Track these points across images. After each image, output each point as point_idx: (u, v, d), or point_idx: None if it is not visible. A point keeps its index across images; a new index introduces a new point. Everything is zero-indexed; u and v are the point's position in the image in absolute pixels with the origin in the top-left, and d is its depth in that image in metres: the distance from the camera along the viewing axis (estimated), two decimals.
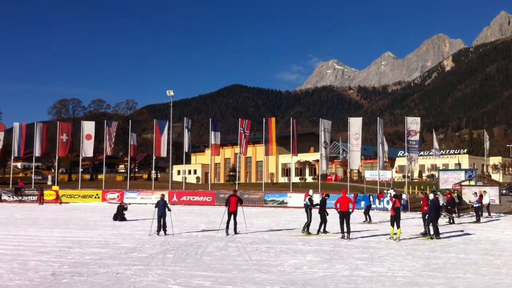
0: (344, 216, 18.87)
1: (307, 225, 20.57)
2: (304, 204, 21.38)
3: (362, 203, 29.32)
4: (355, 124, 42.35)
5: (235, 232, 20.29)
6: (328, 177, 74.51)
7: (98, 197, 43.16)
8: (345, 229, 18.88)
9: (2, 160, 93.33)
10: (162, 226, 20.05)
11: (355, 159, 42.13)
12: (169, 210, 20.08)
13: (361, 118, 44.71)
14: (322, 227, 20.61)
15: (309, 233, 20.29)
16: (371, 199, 30.22)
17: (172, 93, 49.33)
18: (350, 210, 19.03)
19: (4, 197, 44.28)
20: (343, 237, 18.88)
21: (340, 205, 18.89)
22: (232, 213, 20.15)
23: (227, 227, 20.22)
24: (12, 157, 57.82)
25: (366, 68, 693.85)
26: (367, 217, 26.67)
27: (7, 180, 60.09)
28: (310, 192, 21.93)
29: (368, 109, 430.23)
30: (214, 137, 47.34)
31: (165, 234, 19.99)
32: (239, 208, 20.68)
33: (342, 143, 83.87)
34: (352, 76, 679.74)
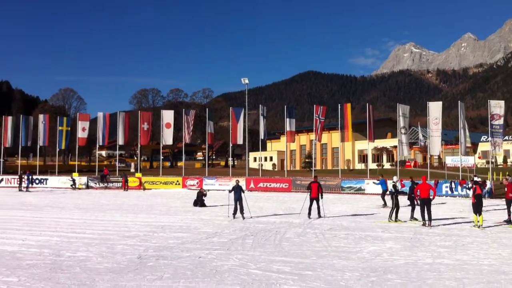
0: (425, 203, 18.46)
1: (395, 212, 20.13)
2: (389, 191, 21.12)
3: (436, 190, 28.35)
4: (435, 109, 41.05)
5: (319, 216, 21.10)
6: (407, 163, 72.73)
7: (179, 184, 44.44)
8: (426, 217, 18.46)
9: (88, 148, 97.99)
10: (239, 209, 20.77)
11: (435, 145, 40.89)
12: (243, 191, 21.00)
13: (440, 102, 43.23)
14: (397, 213, 20.15)
15: (397, 220, 19.86)
16: (435, 186, 28.78)
17: (247, 81, 49.81)
18: (431, 197, 18.61)
19: (91, 184, 46.56)
20: (424, 224, 18.47)
21: (420, 191, 18.49)
22: (314, 198, 21.10)
23: (309, 212, 21.12)
24: (97, 146, 60.50)
25: (445, 50, 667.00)
26: (384, 201, 26.98)
27: (93, 168, 63.07)
28: (395, 178, 21.82)
29: (448, 93, 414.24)
30: (289, 124, 47.42)
31: (243, 218, 20.71)
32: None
33: (421, 128, 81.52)
34: (430, 59, 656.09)
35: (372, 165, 70.64)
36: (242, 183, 39.38)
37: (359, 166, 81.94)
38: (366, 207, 27.06)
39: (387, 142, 78.84)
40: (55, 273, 10.51)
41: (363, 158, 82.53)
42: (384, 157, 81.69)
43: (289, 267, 11.13)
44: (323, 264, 11.49)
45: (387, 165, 77.66)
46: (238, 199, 20.70)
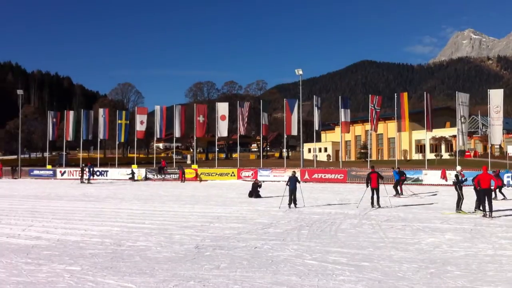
0: (486, 194, 17.91)
1: (460, 203, 19.64)
2: (453, 182, 20.74)
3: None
4: (496, 97, 39.61)
5: (378, 206, 21.42)
6: (467, 153, 70.61)
7: (234, 175, 44.85)
8: (487, 208, 17.91)
9: (146, 141, 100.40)
10: (293, 200, 21.61)
11: (496, 134, 39.49)
12: (299, 182, 22.12)
13: (502, 90, 41.67)
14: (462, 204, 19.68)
15: (460, 212, 19.33)
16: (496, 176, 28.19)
17: (301, 72, 49.51)
18: (492, 187, 18.04)
19: (149, 175, 47.68)
20: (484, 216, 17.92)
21: (480, 182, 17.94)
22: (375, 189, 21.53)
23: (372, 202, 21.54)
24: (155, 138, 61.85)
25: (506, 36, 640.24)
26: (397, 190, 27.78)
27: (151, 160, 64.50)
28: (458, 168, 21.55)
29: (510, 80, 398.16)
30: (344, 115, 46.90)
31: (295, 207, 21.53)
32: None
33: (482, 117, 78.93)
34: (490, 46, 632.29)
35: (430, 155, 69.00)
36: (297, 174, 39.35)
37: (416, 156, 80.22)
38: (424, 198, 26.53)
39: (446, 132, 76.75)
40: (116, 262, 10.85)
41: (420, 148, 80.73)
42: (443, 147, 79.60)
43: (345, 258, 11.06)
44: (380, 255, 11.35)
45: (445, 155, 75.68)
46: (293, 189, 21.59)
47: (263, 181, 34.61)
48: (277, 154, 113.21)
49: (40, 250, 12.23)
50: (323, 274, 9.55)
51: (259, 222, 17.27)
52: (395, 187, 28.08)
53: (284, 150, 67.87)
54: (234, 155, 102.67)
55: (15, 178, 51.06)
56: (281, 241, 13.25)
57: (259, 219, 17.97)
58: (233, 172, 45.39)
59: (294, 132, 48.75)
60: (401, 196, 27.34)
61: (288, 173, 41.33)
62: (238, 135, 52.94)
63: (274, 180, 42.00)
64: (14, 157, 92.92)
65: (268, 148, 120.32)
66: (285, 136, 51.94)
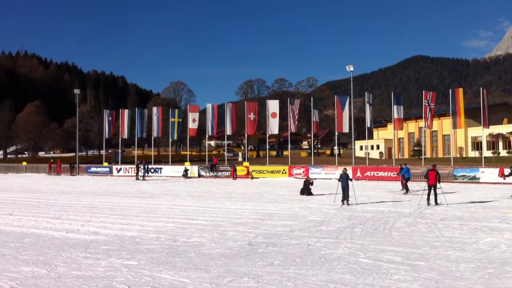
0: None
1: None
2: None
3: None
4: None
5: (436, 203, 21.29)
6: None
7: (285, 173, 44.87)
8: None
9: (198, 139, 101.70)
10: (345, 196, 21.82)
11: None
12: (350, 180, 22.25)
13: None
14: None
15: None
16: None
17: (352, 68, 48.97)
18: None
19: (202, 172, 48.31)
20: None
21: None
22: (432, 186, 21.31)
23: (428, 199, 21.40)
24: (207, 136, 62.58)
25: None
26: (406, 188, 28.24)
27: (203, 157, 65.35)
28: None
29: None
30: (396, 111, 46.10)
31: (348, 204, 21.58)
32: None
33: None
34: None
35: (487, 153, 66.90)
36: (349, 171, 39.02)
37: (472, 153, 77.94)
38: (481, 197, 25.78)
39: (503, 128, 74.25)
40: (171, 257, 11.07)
41: (476, 145, 78.39)
42: (500, 144, 77.00)
43: (400, 257, 10.90)
44: (436, 254, 11.13)
45: (503, 153, 73.22)
46: (344, 186, 21.74)
47: (315, 179, 34.48)
48: (328, 152, 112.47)
49: (99, 245, 12.62)
50: (377, 273, 9.45)
51: (311, 219, 17.24)
52: (405, 184, 28.61)
53: (336, 147, 67.32)
54: (285, 153, 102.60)
55: (73, 175, 52.76)
56: (334, 239, 13.18)
57: (311, 217, 17.93)
58: (284, 170, 45.40)
59: (346, 129, 48.30)
60: (407, 193, 27.58)
61: (340, 170, 41.16)
62: (289, 132, 52.88)
63: (325, 177, 41.75)
64: (72, 154, 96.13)
65: (319, 146, 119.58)
66: (336, 134, 51.60)
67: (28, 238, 13.76)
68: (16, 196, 27.96)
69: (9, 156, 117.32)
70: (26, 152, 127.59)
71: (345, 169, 23.31)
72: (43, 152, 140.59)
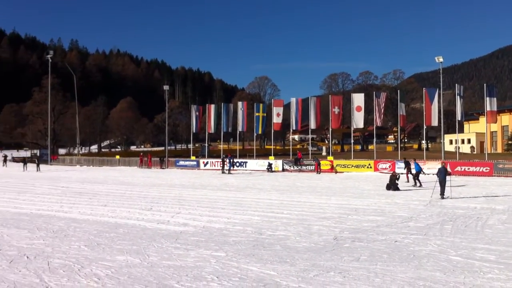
0: None
1: None
2: None
3: None
4: None
5: None
6: None
7: (370, 167, 44.08)
8: None
9: (282, 133, 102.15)
10: (441, 190, 21.84)
11: None
12: (449, 174, 22.41)
13: None
14: None
15: None
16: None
17: (441, 59, 47.14)
18: None
19: (286, 166, 48.49)
20: None
21: None
22: None
23: None
24: (291, 130, 62.66)
25: None
26: (417, 181, 28.89)
27: (287, 152, 65.58)
28: None
29: None
30: (489, 103, 43.93)
31: (442, 198, 21.56)
32: None
33: None
34: None
35: None
36: (438, 166, 37.76)
37: None
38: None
39: None
40: (258, 249, 11.25)
41: None
42: None
43: (493, 255, 10.45)
44: None
45: None
46: (442, 180, 21.77)
47: (401, 174, 33.63)
48: (415, 146, 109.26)
49: (188, 236, 13.05)
50: (469, 271, 9.12)
51: (398, 215, 16.87)
52: (415, 178, 29.25)
53: (423, 141, 65.23)
54: (370, 147, 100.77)
55: (163, 168, 54.66)
56: (423, 236, 12.84)
57: (398, 212, 17.54)
58: (369, 164, 44.60)
59: (434, 122, 46.67)
60: (420, 186, 28.21)
61: (429, 165, 39.91)
62: (375, 126, 51.86)
63: (413, 172, 40.55)
64: (161, 148, 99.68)
65: (406, 140, 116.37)
66: (425, 127, 49.95)
67: (122, 228, 14.47)
68: (110, 188, 29.40)
69: (103, 150, 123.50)
70: (119, 146, 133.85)
71: (443, 162, 23.05)
72: (135, 146, 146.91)
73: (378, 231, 13.58)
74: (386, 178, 29.70)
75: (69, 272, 9.28)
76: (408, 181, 31.17)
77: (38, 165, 52.11)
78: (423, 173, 30.30)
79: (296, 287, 8.22)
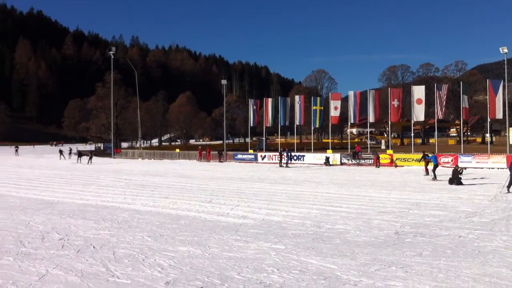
0: None
1: None
2: None
3: None
4: None
5: None
6: None
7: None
8: None
9: (340, 126, 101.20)
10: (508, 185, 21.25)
11: None
12: None
13: None
14: None
15: None
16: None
17: (506, 50, 45.36)
18: None
19: (344, 160, 48.03)
20: None
21: None
22: None
23: None
24: (349, 124, 62.02)
25: None
26: (434, 174, 28.95)
27: (345, 145, 64.92)
28: None
29: None
30: None
31: (508, 191, 21.01)
32: None
33: None
34: None
35: None
36: (503, 160, 36.51)
37: None
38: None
39: None
40: (317, 243, 11.25)
41: None
42: None
43: None
44: None
45: None
46: None
47: (465, 168, 32.66)
48: (479, 139, 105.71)
49: (247, 228, 13.19)
50: None
51: (462, 210, 16.42)
52: (433, 171, 29.24)
53: (487, 134, 63.02)
54: (431, 140, 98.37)
55: (221, 162, 55.28)
56: (488, 231, 12.46)
57: (462, 207, 17.06)
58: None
59: (499, 115, 45.05)
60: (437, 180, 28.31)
61: (493, 159, 38.61)
62: (436, 119, 50.54)
63: (476, 166, 39.33)
64: (220, 142, 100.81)
65: (469, 133, 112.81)
66: (488, 120, 48.27)
67: (183, 220, 14.78)
68: (171, 180, 30.03)
69: (163, 143, 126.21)
70: (178, 140, 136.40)
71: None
72: (194, 140, 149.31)
73: (441, 226, 13.28)
74: (448, 172, 28.95)
75: (134, 262, 9.59)
76: (427, 174, 31.78)
77: (90, 158, 54.03)
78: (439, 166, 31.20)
79: (357, 281, 8.18)
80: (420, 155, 36.54)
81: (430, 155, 32.11)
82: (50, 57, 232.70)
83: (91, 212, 16.55)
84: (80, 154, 56.20)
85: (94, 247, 10.99)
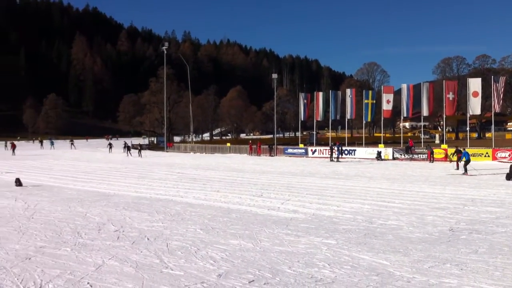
0: None
1: None
2: None
3: None
4: None
5: None
6: None
7: (488, 156, 41.72)
8: None
9: (392, 120, 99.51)
10: None
11: None
12: None
13: None
14: None
15: None
16: None
17: None
18: None
19: (396, 155, 47.24)
20: None
21: None
22: None
23: None
24: (401, 117, 60.94)
25: None
26: (465, 169, 29.22)
27: (397, 140, 63.86)
28: None
29: None
30: None
31: None
32: None
33: None
34: None
35: None
36: None
37: None
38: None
39: None
40: (369, 238, 11.15)
41: None
42: None
43: None
44: None
45: None
46: None
47: None
48: None
49: (298, 223, 13.21)
50: None
51: None
52: (464, 166, 29.40)
53: None
54: (487, 135, 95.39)
55: (272, 156, 55.39)
56: None
57: None
58: (487, 153, 42.22)
59: None
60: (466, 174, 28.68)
61: None
62: (493, 112, 49.00)
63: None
64: (270, 136, 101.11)
65: None
66: None
67: (234, 213, 14.94)
68: (222, 174, 30.36)
69: (214, 137, 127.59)
70: (229, 134, 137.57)
71: None
72: (244, 134, 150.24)
73: (498, 223, 12.91)
74: (505, 168, 28.03)
75: (187, 254, 9.78)
76: (457, 169, 31.74)
77: (140, 151, 55.52)
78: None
79: (411, 277, 8.07)
80: (453, 150, 35.90)
81: (462, 150, 31.75)
82: (106, 53, 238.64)
83: (145, 204, 16.96)
84: (128, 147, 57.75)
85: (148, 238, 11.27)
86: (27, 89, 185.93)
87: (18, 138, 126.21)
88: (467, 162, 29.47)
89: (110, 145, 67.84)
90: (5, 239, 11.20)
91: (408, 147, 47.43)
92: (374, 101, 55.34)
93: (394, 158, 46.79)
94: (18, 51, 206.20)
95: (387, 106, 53.07)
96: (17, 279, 8.12)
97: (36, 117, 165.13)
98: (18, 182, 23.30)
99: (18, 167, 37.31)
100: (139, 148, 57.90)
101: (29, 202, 17.62)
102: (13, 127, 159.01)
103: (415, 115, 73.94)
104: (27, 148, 76.88)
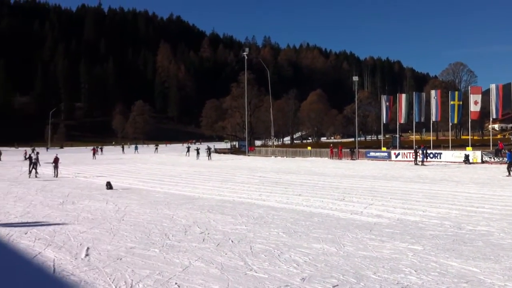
0: None
1: None
2: None
3: None
4: None
5: None
6: None
7: None
8: None
9: (480, 122, 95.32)
10: None
11: None
12: None
13: None
14: None
15: None
16: None
17: None
18: None
19: (485, 158, 45.21)
20: None
21: None
22: None
23: None
24: (490, 119, 58.31)
25: None
26: (508, 171, 29.16)
27: (486, 142, 61.04)
28: None
29: None
30: None
31: None
32: None
33: None
34: None
35: None
36: None
37: None
38: None
39: None
40: (458, 245, 10.76)
41: None
42: None
43: None
44: None
45: None
46: None
47: None
48: None
49: (382, 228, 12.97)
50: None
51: None
52: (508, 168, 29.26)
53: None
54: None
55: (353, 159, 54.69)
56: None
57: None
58: None
59: None
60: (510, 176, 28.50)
61: None
62: None
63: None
64: (351, 140, 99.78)
65: None
66: None
67: (316, 217, 14.90)
68: (303, 178, 30.34)
69: (295, 141, 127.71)
70: (310, 138, 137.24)
71: None
72: (325, 138, 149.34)
73: None
74: None
75: (270, 257, 9.87)
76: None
77: (209, 155, 57.20)
78: None
79: (502, 285, 7.73)
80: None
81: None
82: (189, 59, 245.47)
83: (228, 207, 17.27)
84: (198, 151, 59.64)
85: (232, 241, 11.47)
86: (117, 96, 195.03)
87: (113, 143, 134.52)
88: (511, 164, 29.46)
89: (189, 148, 70.07)
90: (97, 240, 11.78)
91: (498, 150, 45.29)
92: (461, 102, 53.27)
93: (483, 162, 44.82)
94: (107, 60, 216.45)
95: (474, 107, 50.95)
96: (109, 278, 8.52)
97: (124, 123, 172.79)
98: (109, 186, 24.42)
99: (110, 171, 39.13)
100: (208, 151, 59.76)
101: (119, 204, 18.43)
102: (104, 133, 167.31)
103: (505, 116, 70.55)
104: (111, 153, 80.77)
